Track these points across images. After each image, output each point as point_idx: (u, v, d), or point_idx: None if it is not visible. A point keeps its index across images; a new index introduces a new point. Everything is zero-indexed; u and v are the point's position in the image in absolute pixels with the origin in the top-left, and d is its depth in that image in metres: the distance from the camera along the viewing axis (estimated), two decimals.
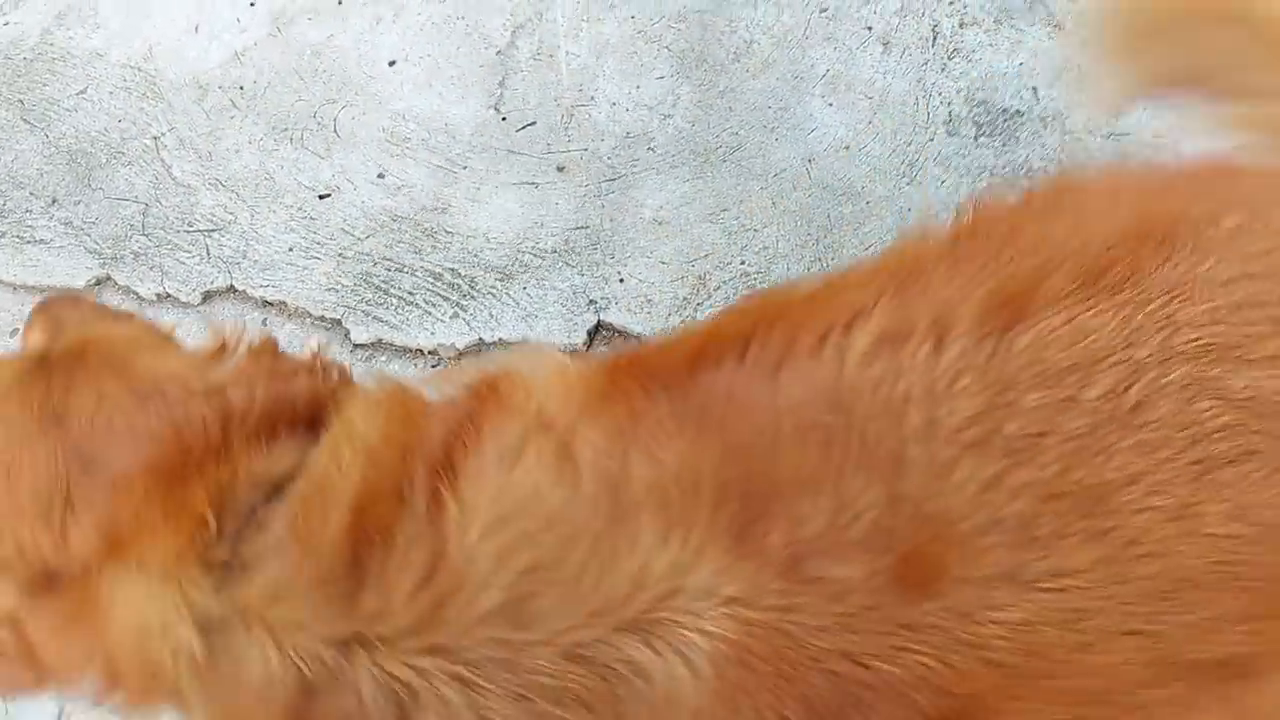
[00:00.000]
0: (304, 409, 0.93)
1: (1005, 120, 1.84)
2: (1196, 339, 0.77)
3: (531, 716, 0.79)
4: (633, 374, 0.88)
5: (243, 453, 0.87)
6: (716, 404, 0.84)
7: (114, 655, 0.84)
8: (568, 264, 1.86)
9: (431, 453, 0.85)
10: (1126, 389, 0.77)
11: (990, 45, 1.90)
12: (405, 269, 1.89)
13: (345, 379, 1.01)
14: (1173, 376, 0.76)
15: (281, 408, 0.92)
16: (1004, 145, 1.82)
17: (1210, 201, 0.85)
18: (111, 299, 1.94)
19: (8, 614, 0.86)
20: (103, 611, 0.83)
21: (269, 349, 0.99)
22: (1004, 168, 1.81)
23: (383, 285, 1.88)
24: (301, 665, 0.80)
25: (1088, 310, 0.79)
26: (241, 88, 2.10)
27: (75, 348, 0.94)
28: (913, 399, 0.79)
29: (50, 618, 0.85)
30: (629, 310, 1.79)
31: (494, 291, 1.85)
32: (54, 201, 2.04)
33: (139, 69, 2.15)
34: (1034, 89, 1.85)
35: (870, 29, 1.95)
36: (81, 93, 2.15)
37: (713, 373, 0.85)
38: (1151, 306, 0.78)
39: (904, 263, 0.90)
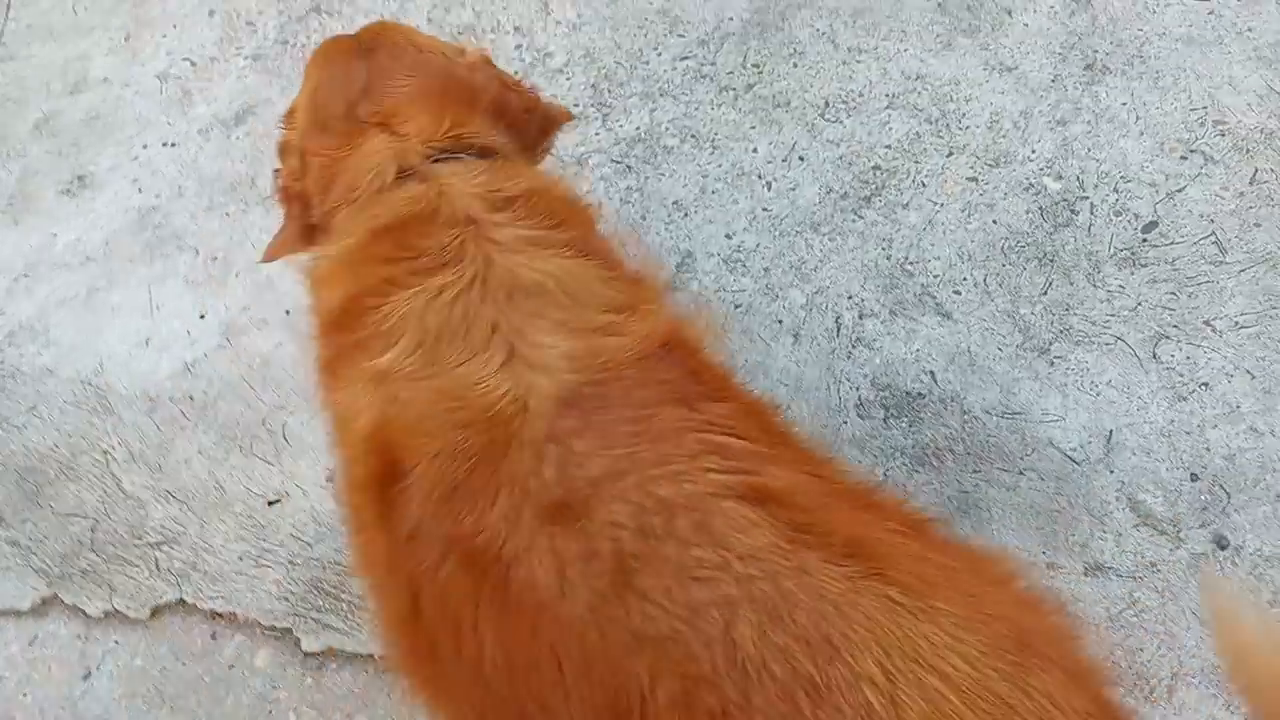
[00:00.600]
0: (512, 117, 1.46)
1: (909, 403, 2.02)
2: None
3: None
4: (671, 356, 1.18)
5: (480, 118, 1.39)
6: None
7: (339, 170, 1.34)
8: None
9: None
10: None
11: (888, 334, 2.11)
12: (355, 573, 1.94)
13: (533, 106, 1.54)
14: None
15: (504, 109, 1.45)
16: (911, 426, 2.00)
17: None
18: (57, 620, 1.95)
19: (300, 147, 1.42)
20: (353, 148, 1.34)
21: (489, 57, 1.54)
22: (913, 447, 1.97)
23: (333, 590, 1.92)
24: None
25: None
26: (192, 398, 2.19)
27: (377, 26, 1.51)
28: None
29: (324, 143, 1.37)
30: None
31: None
32: (0, 521, 2.07)
33: (90, 384, 2.24)
34: (931, 373, 2.05)
35: (781, 322, 2.15)
36: (31, 410, 2.21)
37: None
38: None
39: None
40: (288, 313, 2.29)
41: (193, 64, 2.76)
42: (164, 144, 2.61)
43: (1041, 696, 0.90)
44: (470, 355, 1.12)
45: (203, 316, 2.31)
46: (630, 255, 1.38)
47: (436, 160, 1.32)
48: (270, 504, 2.04)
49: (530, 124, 1.52)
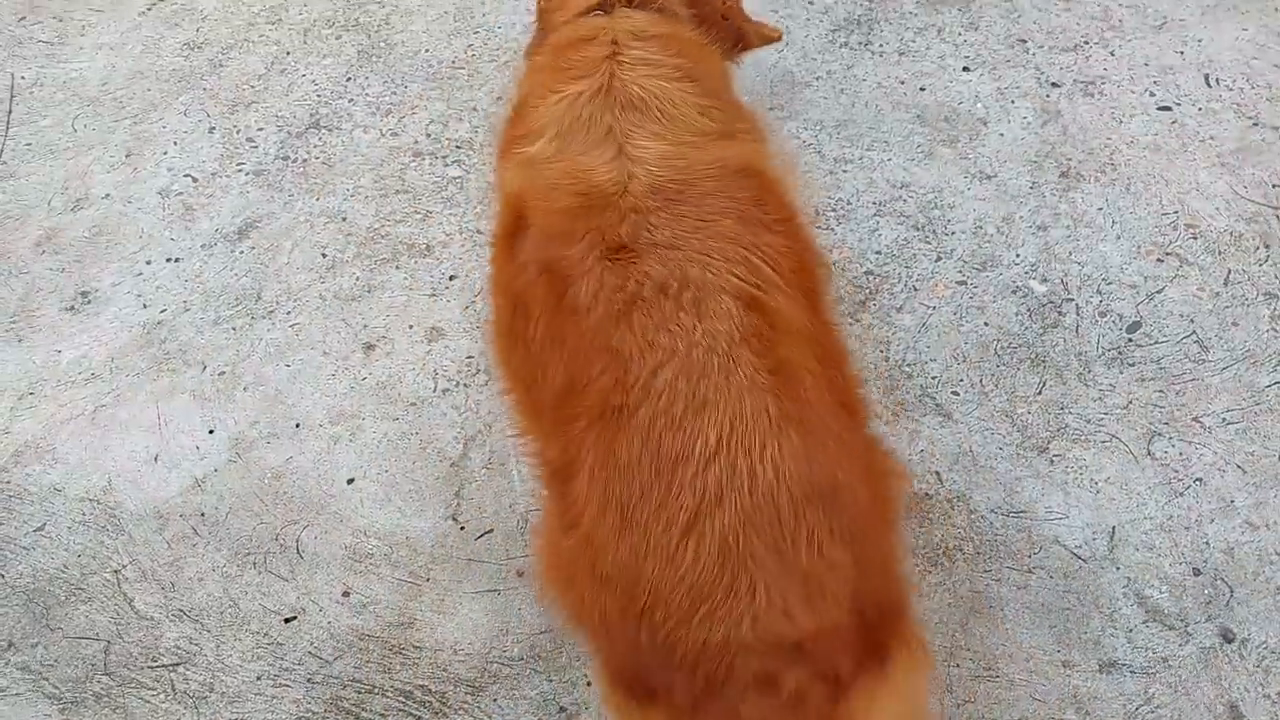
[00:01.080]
0: (705, 9, 1.76)
1: (917, 503, 2.08)
2: None
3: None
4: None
5: None
6: None
7: None
8: (536, 670, 1.94)
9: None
10: None
11: (893, 435, 2.17)
12: (376, 690, 1.93)
13: (730, 14, 1.85)
14: None
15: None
16: (920, 525, 2.05)
17: None
18: None
19: None
20: None
21: None
22: (924, 548, 2.02)
23: (354, 709, 1.92)
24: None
25: None
26: (203, 515, 2.19)
27: None
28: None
29: None
30: (602, 716, 1.87)
31: (465, 706, 1.90)
32: (10, 646, 2.04)
33: (98, 502, 2.23)
34: (937, 473, 2.11)
35: None
36: (39, 530, 2.20)
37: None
38: None
39: None
40: (297, 426, 2.31)
41: (194, 180, 2.81)
42: (168, 259, 2.64)
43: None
44: (591, 148, 1.45)
45: (211, 431, 2.32)
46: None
47: (630, 5, 1.65)
48: (287, 621, 2.04)
49: (722, 28, 1.81)
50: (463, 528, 2.15)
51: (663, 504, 1.16)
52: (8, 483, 2.28)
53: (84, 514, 2.22)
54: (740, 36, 1.86)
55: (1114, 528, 2.00)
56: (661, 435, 1.18)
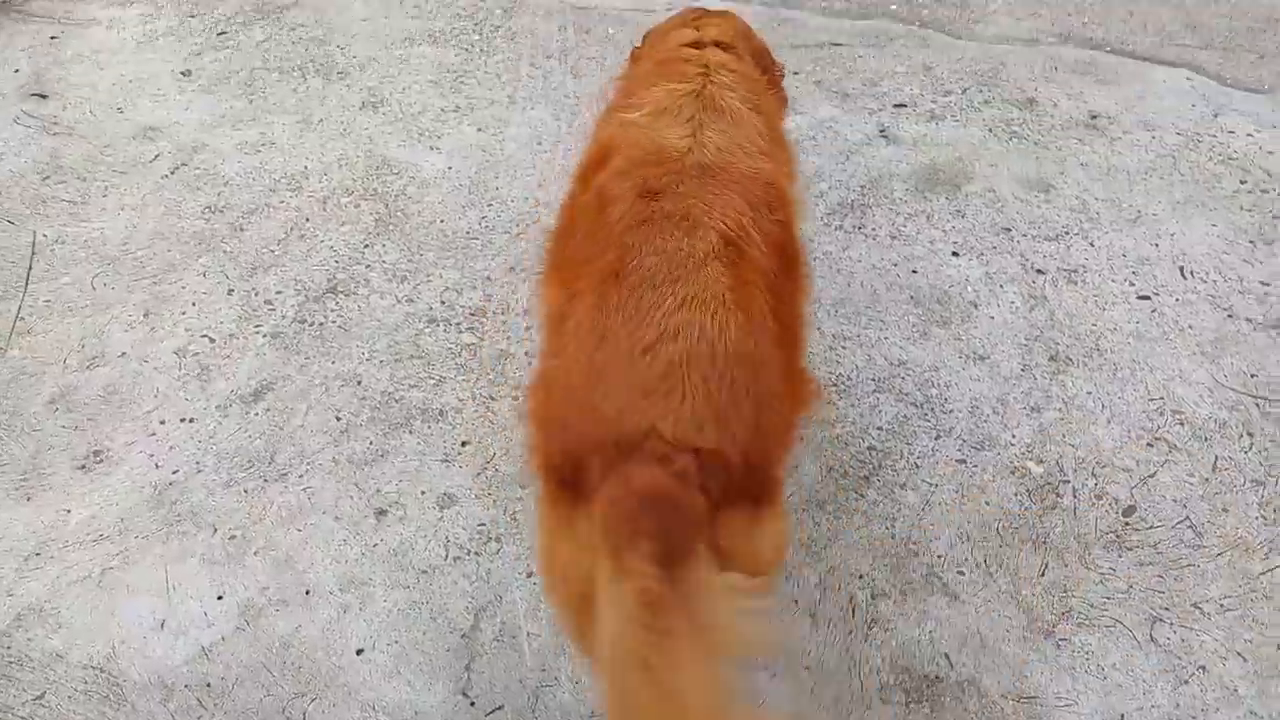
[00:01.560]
0: (765, 67, 2.37)
1: (928, 686, 2.10)
2: None
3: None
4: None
5: (746, 49, 2.32)
6: None
7: (659, 40, 2.38)
8: None
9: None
10: None
11: (901, 615, 2.21)
12: None
13: (779, 77, 2.46)
14: None
15: (762, 58, 2.40)
16: (932, 711, 2.07)
17: None
18: None
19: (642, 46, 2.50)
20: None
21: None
22: None
23: None
24: None
25: None
26: (209, 685, 2.16)
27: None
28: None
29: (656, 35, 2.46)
30: None
31: None
32: None
33: (101, 670, 2.19)
34: (946, 655, 2.14)
35: (797, 602, 2.24)
36: (38, 699, 2.15)
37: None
38: None
39: None
40: (307, 593, 2.31)
41: (211, 340, 2.87)
42: (181, 419, 2.68)
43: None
44: (676, 125, 1.94)
45: (220, 597, 2.31)
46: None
47: (714, 45, 2.21)
48: None
49: (775, 83, 2.39)
50: (473, 703, 2.13)
51: (634, 333, 1.54)
52: (8, 648, 2.24)
53: (86, 682, 2.18)
54: (778, 97, 2.43)
55: (1123, 715, 2.03)
56: (643, 292, 1.60)
